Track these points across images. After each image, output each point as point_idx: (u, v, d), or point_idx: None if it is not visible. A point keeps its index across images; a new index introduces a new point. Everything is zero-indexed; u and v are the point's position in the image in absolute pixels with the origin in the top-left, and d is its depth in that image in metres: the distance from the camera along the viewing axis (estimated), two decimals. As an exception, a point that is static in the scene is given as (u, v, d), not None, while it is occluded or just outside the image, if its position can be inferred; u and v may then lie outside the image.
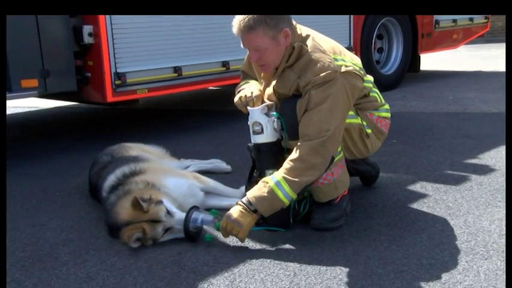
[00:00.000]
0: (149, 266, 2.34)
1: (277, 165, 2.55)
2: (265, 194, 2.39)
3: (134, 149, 3.35)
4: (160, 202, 2.54)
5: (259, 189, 2.42)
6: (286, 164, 2.42)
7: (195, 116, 5.81)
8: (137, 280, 2.22)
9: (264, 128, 2.57)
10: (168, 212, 2.53)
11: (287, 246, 2.46)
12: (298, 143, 2.43)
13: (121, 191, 2.66)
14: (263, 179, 2.46)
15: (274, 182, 2.40)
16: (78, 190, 3.44)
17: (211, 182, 3.04)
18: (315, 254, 2.36)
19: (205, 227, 2.58)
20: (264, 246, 2.47)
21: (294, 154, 2.42)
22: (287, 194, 2.40)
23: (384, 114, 2.79)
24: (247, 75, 2.91)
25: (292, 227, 2.62)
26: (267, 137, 2.58)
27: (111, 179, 2.82)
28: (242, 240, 2.44)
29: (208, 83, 5.07)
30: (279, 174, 2.41)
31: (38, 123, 5.96)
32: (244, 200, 2.44)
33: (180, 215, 2.55)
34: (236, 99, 2.71)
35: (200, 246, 2.50)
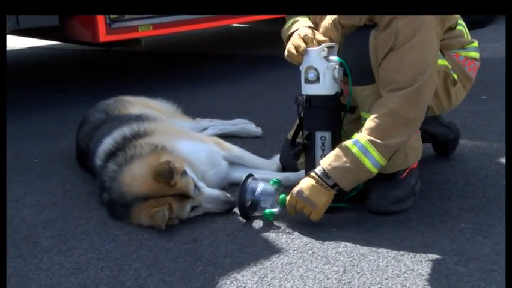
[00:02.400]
0: (155, 255, 2.38)
1: (331, 128, 2.56)
2: (348, 164, 2.41)
3: (136, 104, 3.38)
4: (185, 172, 2.60)
5: (338, 158, 2.43)
6: (371, 122, 2.43)
7: (214, 63, 5.82)
8: (140, 273, 2.26)
9: (320, 75, 2.54)
10: (195, 186, 2.60)
11: (335, 233, 2.47)
12: (384, 95, 2.43)
13: (122, 158, 2.71)
14: (341, 144, 2.46)
15: (359, 148, 2.41)
16: (62, 157, 3.50)
17: (236, 150, 3.06)
18: (372, 245, 2.37)
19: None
20: (304, 233, 2.49)
21: (380, 109, 2.42)
22: (376, 161, 2.41)
23: (473, 54, 2.76)
24: None
25: (342, 208, 2.63)
26: (323, 87, 2.56)
27: (108, 143, 2.87)
28: (315, 221, 2.49)
29: (231, 19, 5.05)
30: (363, 137, 2.42)
31: (9, 68, 6.05)
32: (318, 171, 2.46)
33: (209, 190, 2.63)
34: (289, 45, 2.67)
35: (221, 232, 2.53)
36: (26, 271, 2.32)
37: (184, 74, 5.42)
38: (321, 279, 2.16)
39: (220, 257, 2.34)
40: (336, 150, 2.46)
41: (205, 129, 3.61)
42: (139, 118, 3.08)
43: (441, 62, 2.64)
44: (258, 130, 3.68)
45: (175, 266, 2.29)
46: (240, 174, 2.87)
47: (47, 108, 4.50)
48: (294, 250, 2.36)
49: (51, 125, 4.09)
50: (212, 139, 3.10)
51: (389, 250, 2.32)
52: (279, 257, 2.32)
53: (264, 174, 2.85)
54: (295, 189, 2.49)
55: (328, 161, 2.45)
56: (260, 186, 2.58)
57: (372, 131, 2.41)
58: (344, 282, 2.13)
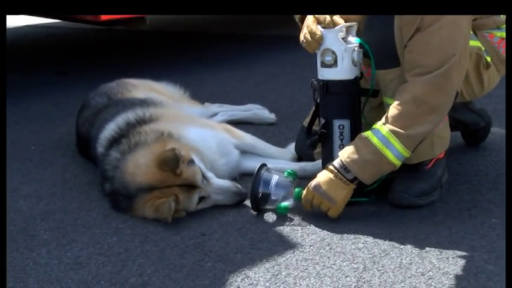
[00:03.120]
0: (161, 250, 2.39)
1: (350, 115, 2.56)
2: (368, 157, 2.41)
3: (141, 88, 3.39)
4: (192, 161, 2.61)
5: (357, 150, 2.44)
6: (393, 110, 2.42)
7: (225, 43, 5.82)
8: (144, 269, 2.27)
9: (338, 58, 2.51)
10: (203, 176, 2.62)
11: (354, 228, 2.48)
12: (409, 79, 2.43)
13: (125, 145, 2.73)
14: (361, 134, 2.46)
15: (379, 138, 2.41)
16: (61, 144, 3.52)
17: (248, 137, 3.07)
18: (395, 240, 2.37)
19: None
20: (321, 227, 2.49)
21: (403, 95, 2.42)
22: (399, 153, 2.41)
23: None
24: None
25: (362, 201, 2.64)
26: (341, 71, 2.54)
27: (110, 129, 2.89)
28: (333, 217, 2.50)
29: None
30: (383, 127, 2.42)
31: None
32: (336, 164, 2.46)
33: (218, 181, 2.64)
34: (304, 31, 2.63)
35: (231, 225, 2.54)
36: (23, 266, 2.34)
37: (192, 55, 5.42)
38: (339, 277, 2.17)
39: (231, 253, 2.35)
40: (356, 141, 2.46)
41: (214, 115, 3.62)
42: (143, 103, 3.09)
43: (474, 43, 2.62)
44: (271, 116, 3.69)
45: (182, 262, 2.30)
46: (252, 164, 2.88)
47: (45, 91, 4.52)
48: (310, 245, 2.37)
49: (49, 110, 4.11)
50: (222, 126, 3.11)
51: (413, 246, 2.32)
52: (293, 252, 2.33)
53: (278, 164, 2.86)
54: (312, 183, 2.50)
55: (347, 153, 2.45)
56: (274, 178, 2.59)
57: (395, 120, 2.41)
58: (363, 281, 2.14)
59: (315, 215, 2.55)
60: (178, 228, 2.53)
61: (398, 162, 2.44)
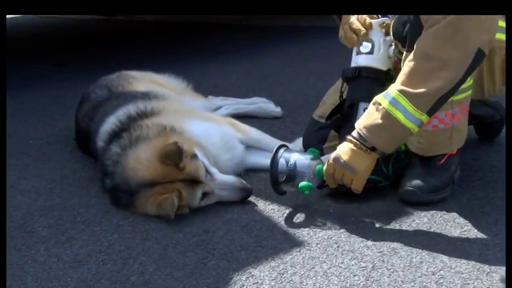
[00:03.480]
0: (163, 248, 2.41)
1: None
2: (380, 121, 2.38)
3: (142, 80, 3.41)
4: (195, 156, 2.62)
5: (370, 115, 2.42)
6: (404, 67, 2.38)
7: (229, 34, 5.81)
8: (146, 267, 2.29)
9: (375, 47, 2.61)
10: (207, 171, 2.63)
11: (362, 225, 2.49)
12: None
13: (126, 140, 2.74)
14: (374, 99, 2.44)
15: (389, 101, 2.36)
16: (60, 138, 3.54)
17: (253, 132, 3.08)
18: (404, 238, 2.37)
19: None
20: (328, 224, 2.50)
21: (414, 51, 2.37)
22: (411, 115, 2.35)
23: None
24: None
25: (372, 194, 2.64)
26: (375, 59, 2.63)
27: (111, 123, 2.90)
28: (358, 191, 2.50)
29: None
30: (393, 88, 2.38)
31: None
32: (355, 133, 2.45)
33: (222, 176, 2.65)
34: (348, 31, 2.68)
35: (236, 222, 2.56)
36: (20, 264, 2.35)
37: (195, 46, 5.43)
38: (347, 276, 2.17)
39: (235, 251, 2.36)
40: (369, 107, 2.44)
41: (218, 108, 3.63)
42: (145, 96, 3.10)
43: (501, 36, 2.52)
44: (277, 110, 3.69)
45: (184, 260, 2.32)
46: (257, 159, 2.90)
47: (43, 84, 4.53)
48: (317, 243, 2.38)
49: (47, 103, 4.12)
50: (226, 120, 3.12)
51: (424, 244, 2.33)
52: (300, 251, 2.34)
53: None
54: (332, 156, 2.48)
55: (361, 120, 2.44)
56: (293, 157, 2.58)
57: (404, 78, 2.36)
58: (372, 280, 2.14)
59: (323, 212, 2.56)
60: (181, 225, 2.54)
61: (411, 125, 2.36)
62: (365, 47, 2.62)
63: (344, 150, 2.45)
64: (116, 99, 3.10)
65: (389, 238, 2.38)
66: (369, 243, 2.36)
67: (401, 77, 2.37)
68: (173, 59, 4.92)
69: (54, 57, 5.24)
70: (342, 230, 2.46)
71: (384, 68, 2.62)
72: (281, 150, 2.61)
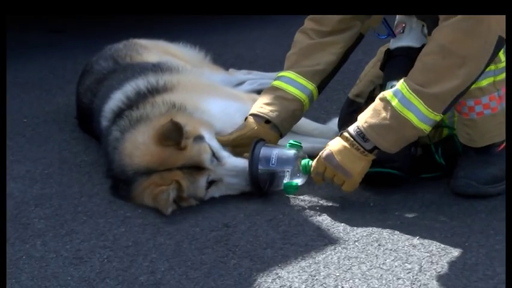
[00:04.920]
0: (177, 244, 2.41)
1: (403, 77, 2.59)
2: (388, 121, 2.41)
3: (153, 50, 3.41)
4: (200, 138, 2.61)
5: (376, 113, 2.44)
6: (418, 62, 2.42)
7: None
8: (157, 266, 2.29)
9: (407, 28, 2.71)
10: (214, 155, 2.61)
11: (408, 221, 2.48)
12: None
13: (126, 121, 2.74)
14: (382, 93, 2.46)
15: (400, 100, 2.39)
16: (58, 116, 3.54)
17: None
18: (457, 237, 2.37)
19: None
20: (368, 219, 2.50)
21: (430, 44, 2.42)
22: (424, 116, 2.39)
23: None
24: None
25: (420, 184, 2.65)
26: (407, 38, 2.71)
27: (117, 99, 2.90)
28: (348, 192, 2.52)
29: None
30: (405, 85, 2.41)
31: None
32: (352, 130, 2.46)
33: (233, 160, 2.62)
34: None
35: (260, 216, 2.55)
36: (14, 259, 2.36)
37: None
38: (389, 279, 2.17)
39: (259, 248, 2.36)
40: (376, 102, 2.46)
41: (241, 83, 3.63)
42: (157, 68, 3.10)
43: None
44: (309, 86, 3.68)
45: (201, 258, 2.32)
46: (284, 143, 2.89)
47: (38, 53, 4.54)
48: (355, 241, 2.38)
49: (44, 76, 4.14)
50: (250, 97, 3.10)
51: (480, 245, 2.32)
52: (335, 249, 2.34)
53: (316, 143, 2.85)
54: (324, 153, 2.49)
55: (365, 117, 2.45)
56: (275, 153, 2.59)
57: (417, 74, 2.40)
58: (419, 284, 2.14)
59: (361, 204, 2.57)
60: (197, 218, 2.55)
61: (425, 127, 2.41)
62: (398, 30, 2.74)
63: (337, 148, 2.47)
64: (123, 72, 3.11)
65: (439, 236, 2.38)
66: (416, 241, 2.36)
67: (414, 73, 2.41)
68: (189, 26, 4.91)
69: (52, 23, 5.24)
70: (383, 226, 2.46)
71: (417, 45, 2.66)
72: (259, 144, 2.60)
